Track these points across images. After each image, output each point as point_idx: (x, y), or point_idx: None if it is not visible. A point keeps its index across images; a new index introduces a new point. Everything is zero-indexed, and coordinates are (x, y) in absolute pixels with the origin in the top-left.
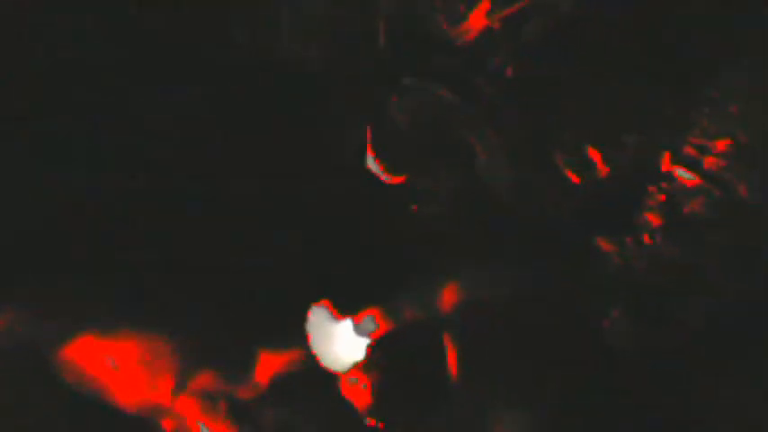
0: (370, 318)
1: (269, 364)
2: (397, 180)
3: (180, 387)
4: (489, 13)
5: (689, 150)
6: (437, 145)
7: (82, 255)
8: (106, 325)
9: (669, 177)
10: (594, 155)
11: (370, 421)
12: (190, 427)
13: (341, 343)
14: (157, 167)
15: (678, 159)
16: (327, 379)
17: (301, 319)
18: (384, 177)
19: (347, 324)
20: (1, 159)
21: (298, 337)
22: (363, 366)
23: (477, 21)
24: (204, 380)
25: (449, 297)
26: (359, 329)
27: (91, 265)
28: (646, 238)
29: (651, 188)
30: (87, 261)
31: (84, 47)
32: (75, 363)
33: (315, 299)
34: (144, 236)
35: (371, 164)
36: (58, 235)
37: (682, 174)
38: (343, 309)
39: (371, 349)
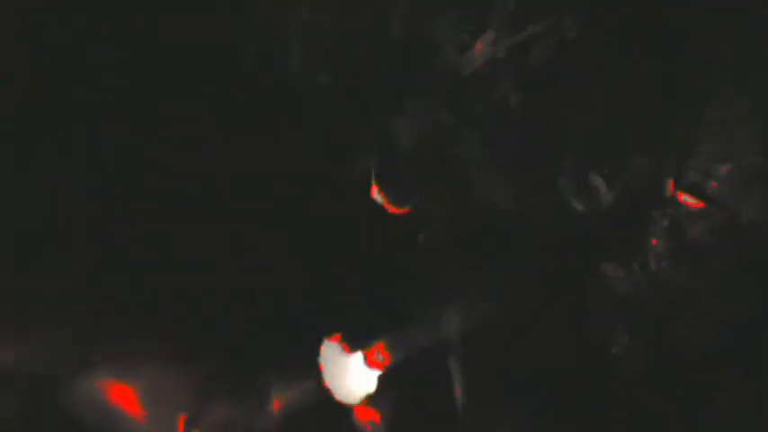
0: (380, 350)
1: (283, 397)
2: (401, 211)
3: (194, 421)
4: (495, 43)
5: (693, 175)
6: (438, 171)
7: (92, 287)
8: (120, 359)
9: (674, 202)
10: (598, 181)
11: None
12: None
13: (353, 376)
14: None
15: (682, 184)
16: (340, 410)
17: (312, 352)
18: (388, 208)
19: (358, 357)
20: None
21: (310, 369)
22: (375, 397)
23: (482, 50)
24: (218, 413)
25: (453, 324)
26: (369, 362)
27: (102, 298)
28: (651, 264)
29: (656, 213)
30: (98, 293)
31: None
32: (89, 397)
33: (325, 332)
34: (155, 261)
35: (376, 195)
36: (64, 261)
37: (686, 198)
38: (353, 342)
39: (382, 380)
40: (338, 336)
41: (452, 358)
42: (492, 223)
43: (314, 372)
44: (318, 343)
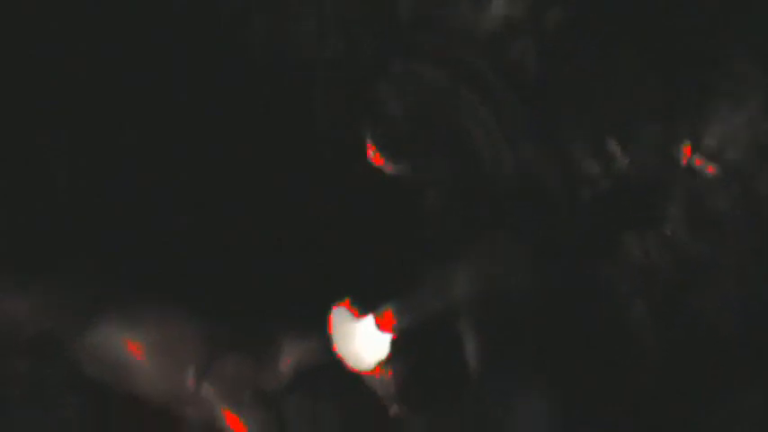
0: (390, 314)
1: (292, 354)
2: (398, 170)
3: (203, 375)
4: (512, 2)
5: (709, 143)
6: (437, 132)
7: (98, 243)
8: (127, 313)
9: (690, 170)
10: (614, 147)
11: (394, 410)
12: (213, 415)
13: (363, 342)
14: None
15: (699, 152)
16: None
17: (321, 313)
18: (387, 169)
19: (369, 322)
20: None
21: (319, 329)
22: (387, 362)
23: (499, 8)
24: (228, 368)
25: (464, 287)
26: (380, 327)
27: (109, 253)
28: (668, 231)
29: (672, 181)
30: (105, 249)
31: (86, 46)
32: (96, 351)
33: (333, 297)
34: (166, 222)
35: (371, 154)
36: (71, 222)
37: (702, 167)
38: (363, 307)
39: (394, 345)
40: (347, 301)
41: (463, 323)
42: (502, 186)
43: (324, 332)
44: (328, 304)
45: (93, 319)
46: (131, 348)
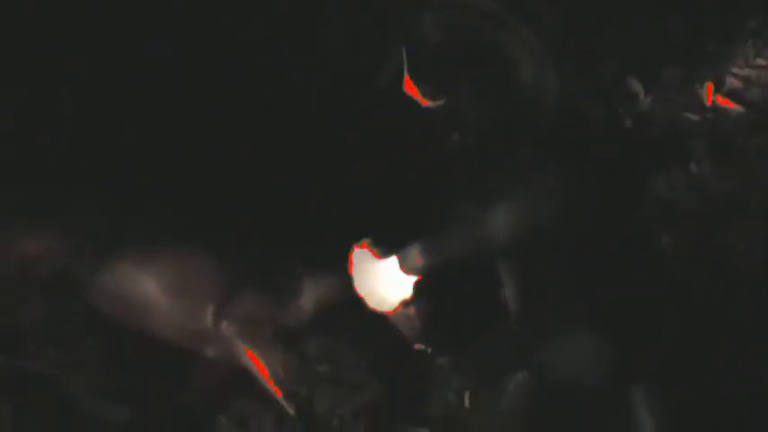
0: (415, 254)
1: (313, 292)
2: (435, 104)
3: (222, 312)
4: None
5: (733, 81)
6: (477, 60)
7: (115, 181)
8: (144, 251)
9: (714, 108)
10: (637, 85)
11: (417, 347)
12: (233, 354)
13: (385, 283)
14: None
15: (722, 90)
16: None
17: (342, 250)
18: (421, 101)
19: (391, 263)
20: None
21: (340, 267)
22: (412, 303)
23: None
24: (247, 305)
25: (500, 226)
26: (404, 267)
27: (126, 192)
28: (693, 168)
29: (696, 118)
30: (121, 187)
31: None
32: (112, 290)
33: (356, 235)
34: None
35: (408, 88)
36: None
37: (726, 105)
38: (387, 246)
39: (419, 285)
40: (368, 242)
41: (501, 262)
42: (544, 118)
43: (345, 270)
44: (350, 242)
45: (109, 258)
46: (148, 287)
